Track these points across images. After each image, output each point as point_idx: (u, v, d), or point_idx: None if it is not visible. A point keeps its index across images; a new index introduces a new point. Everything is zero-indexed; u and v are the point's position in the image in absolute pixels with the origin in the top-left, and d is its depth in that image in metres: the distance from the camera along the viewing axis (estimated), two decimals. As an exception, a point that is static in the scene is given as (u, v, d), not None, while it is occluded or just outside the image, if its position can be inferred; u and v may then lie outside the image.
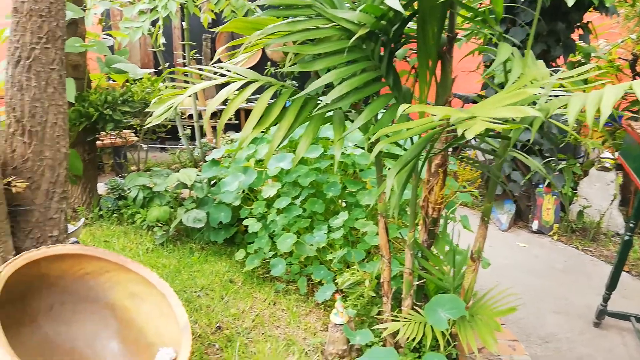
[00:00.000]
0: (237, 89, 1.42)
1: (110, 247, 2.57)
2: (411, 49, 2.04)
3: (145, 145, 4.32)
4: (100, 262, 1.58)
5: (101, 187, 3.27)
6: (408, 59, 2.01)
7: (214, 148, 4.96)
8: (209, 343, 1.79)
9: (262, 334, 1.89)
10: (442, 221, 1.73)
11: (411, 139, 1.46)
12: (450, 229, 1.83)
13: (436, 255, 1.67)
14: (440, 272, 1.63)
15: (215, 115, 5.45)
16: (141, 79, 2.86)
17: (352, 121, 1.47)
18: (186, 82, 1.53)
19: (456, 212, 2.10)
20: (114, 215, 3.01)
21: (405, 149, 1.52)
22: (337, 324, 1.70)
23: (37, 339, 1.52)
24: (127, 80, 2.95)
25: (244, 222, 2.43)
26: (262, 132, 2.98)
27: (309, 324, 1.98)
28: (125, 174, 3.37)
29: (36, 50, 1.43)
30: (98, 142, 3.42)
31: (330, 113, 1.50)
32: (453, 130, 1.32)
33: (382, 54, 1.41)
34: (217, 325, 1.91)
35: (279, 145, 1.44)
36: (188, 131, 4.66)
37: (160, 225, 2.78)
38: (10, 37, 1.44)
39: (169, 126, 4.26)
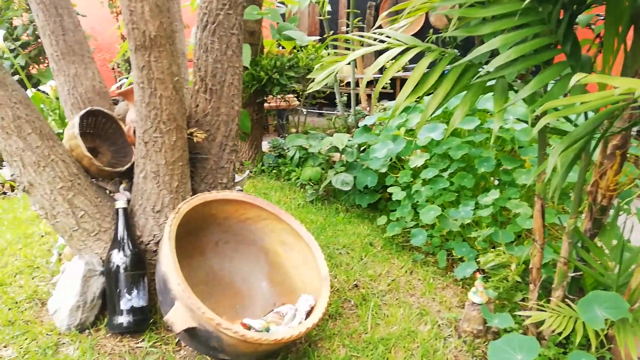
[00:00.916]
0: (395, 56, 1.41)
1: (268, 199, 2.84)
2: (597, 15, 1.78)
3: (305, 110, 4.59)
4: (259, 210, 1.77)
5: (265, 145, 3.60)
6: (593, 26, 1.76)
7: (367, 115, 5.06)
8: (345, 298, 1.89)
9: (396, 299, 1.92)
10: (612, 211, 1.53)
11: (585, 114, 1.30)
12: (621, 221, 1.61)
13: (600, 248, 1.49)
14: (603, 266, 1.45)
15: (371, 83, 5.50)
16: (307, 46, 3.02)
17: (516, 92, 1.36)
18: (347, 49, 1.58)
19: (632, 204, 1.82)
20: (274, 171, 3.31)
21: (576, 125, 1.36)
22: (474, 303, 1.64)
23: (203, 269, 1.78)
24: (294, 47, 3.14)
25: (388, 190, 2.46)
26: (416, 101, 2.94)
27: (445, 298, 1.95)
28: (286, 135, 3.64)
29: (220, 15, 1.61)
30: (265, 105, 3.74)
31: (492, 82, 1.41)
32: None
33: (560, 17, 1.27)
34: (355, 283, 2.00)
35: (432, 114, 1.42)
36: (344, 98, 4.80)
37: (311, 184, 2.97)
38: (201, 4, 1.64)
39: (327, 92, 4.44)
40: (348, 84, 5.45)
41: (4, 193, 2.82)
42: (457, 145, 2.26)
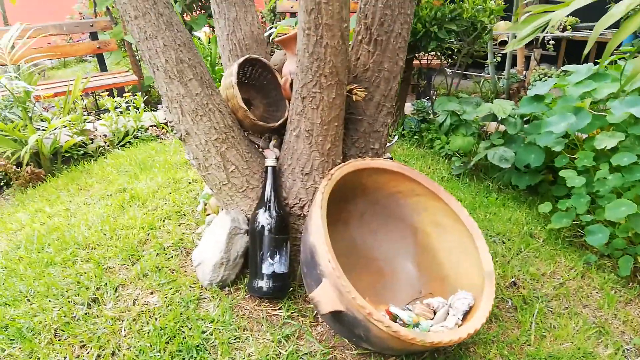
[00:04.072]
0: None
1: (408, 167, 2.60)
2: None
3: (450, 70, 4.16)
4: (413, 184, 1.55)
5: (407, 107, 3.32)
6: None
7: (522, 80, 4.45)
8: (502, 297, 1.62)
9: (566, 308, 1.60)
10: None
11: None
12: None
13: None
14: None
15: (531, 44, 4.82)
16: (472, -6, 2.62)
17: None
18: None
19: None
20: (415, 136, 3.04)
21: None
22: (687, 338, 1.27)
23: (346, 240, 1.64)
24: (455, -4, 2.76)
25: (561, 173, 2.06)
26: (606, 65, 2.41)
27: (630, 316, 1.58)
28: (430, 97, 3.32)
29: (398, -48, 1.36)
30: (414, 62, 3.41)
31: None
32: None
33: None
34: (512, 280, 1.71)
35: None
36: (497, 59, 4.26)
37: (459, 155, 2.65)
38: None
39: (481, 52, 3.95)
40: (502, 42, 4.84)
41: (158, 135, 2.97)
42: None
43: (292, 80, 1.50)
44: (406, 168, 1.54)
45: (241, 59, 1.45)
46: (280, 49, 1.64)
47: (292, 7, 4.56)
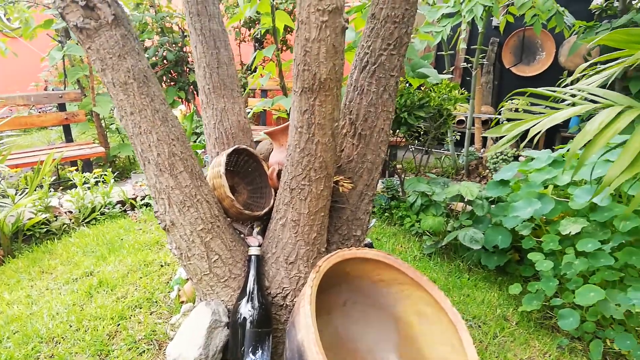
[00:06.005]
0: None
1: (381, 247, 2.63)
2: None
3: (412, 147, 4.36)
4: (395, 273, 1.56)
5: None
6: None
7: (480, 158, 4.71)
8: (485, 387, 1.61)
9: (547, 397, 1.60)
10: None
11: None
12: None
13: None
14: None
15: (486, 123, 5.16)
16: (437, 84, 2.81)
17: None
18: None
19: None
20: (385, 213, 3.10)
21: None
22: None
23: (328, 331, 1.60)
24: (421, 85, 2.95)
25: (529, 256, 2.14)
26: (563, 154, 2.60)
27: (609, 407, 1.59)
28: (398, 174, 3.43)
29: (383, 56, 1.46)
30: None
31: None
32: None
33: None
34: (493, 368, 1.71)
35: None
36: (456, 137, 4.53)
37: (429, 234, 2.71)
38: (362, 43, 1.50)
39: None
40: (460, 121, 5.15)
41: (125, 211, 2.88)
42: (623, 215, 1.91)
43: (278, 170, 1.52)
44: (390, 257, 1.55)
45: (229, 150, 1.47)
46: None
47: (262, 85, 4.71)
